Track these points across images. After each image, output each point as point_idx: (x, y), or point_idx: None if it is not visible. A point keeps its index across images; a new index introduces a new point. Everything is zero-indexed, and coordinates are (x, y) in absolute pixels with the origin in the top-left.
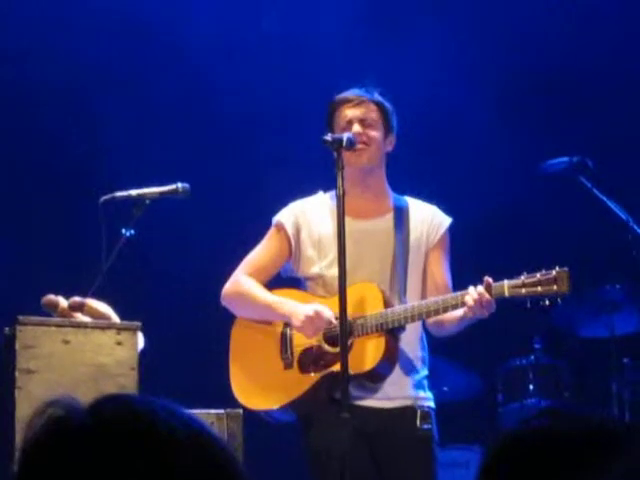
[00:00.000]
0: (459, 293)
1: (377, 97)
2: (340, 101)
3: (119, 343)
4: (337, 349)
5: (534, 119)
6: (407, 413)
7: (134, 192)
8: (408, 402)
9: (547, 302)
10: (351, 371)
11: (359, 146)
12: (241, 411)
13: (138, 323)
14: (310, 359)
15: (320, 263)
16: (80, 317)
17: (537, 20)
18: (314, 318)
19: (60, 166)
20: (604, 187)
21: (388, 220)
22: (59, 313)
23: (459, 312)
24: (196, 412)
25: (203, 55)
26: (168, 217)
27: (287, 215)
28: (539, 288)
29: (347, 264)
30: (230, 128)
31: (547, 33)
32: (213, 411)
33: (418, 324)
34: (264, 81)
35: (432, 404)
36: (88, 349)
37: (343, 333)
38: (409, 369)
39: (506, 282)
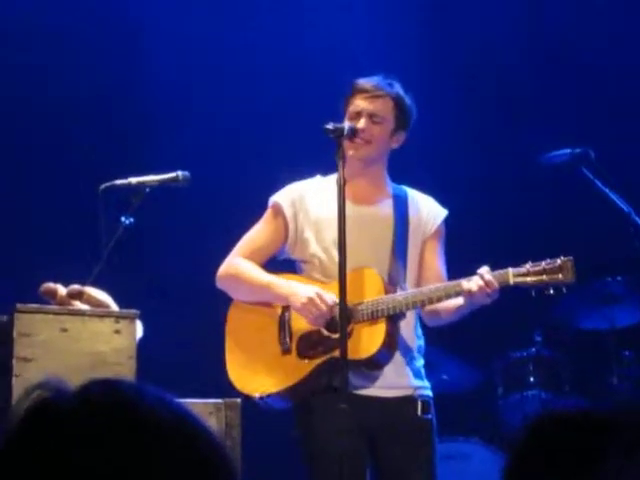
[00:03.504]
0: (462, 280)
1: (397, 91)
2: (357, 89)
3: (117, 331)
4: (337, 335)
5: (536, 110)
6: (408, 403)
7: (134, 180)
8: (408, 392)
9: (552, 291)
10: (351, 357)
11: (358, 141)
12: (239, 401)
13: (136, 311)
14: (309, 344)
15: (317, 245)
16: (78, 305)
17: (538, 7)
18: (315, 300)
19: (61, 153)
20: (606, 179)
21: (387, 206)
22: (57, 301)
23: (457, 301)
24: (194, 402)
25: (203, 43)
26: (168, 205)
27: (285, 196)
28: (544, 277)
29: (346, 248)
30: (232, 117)
31: (548, 20)
32: (211, 401)
33: (413, 313)
34: (264, 69)
35: (430, 393)
36: (86, 337)
37: (343, 321)
38: (408, 357)
39: (511, 270)
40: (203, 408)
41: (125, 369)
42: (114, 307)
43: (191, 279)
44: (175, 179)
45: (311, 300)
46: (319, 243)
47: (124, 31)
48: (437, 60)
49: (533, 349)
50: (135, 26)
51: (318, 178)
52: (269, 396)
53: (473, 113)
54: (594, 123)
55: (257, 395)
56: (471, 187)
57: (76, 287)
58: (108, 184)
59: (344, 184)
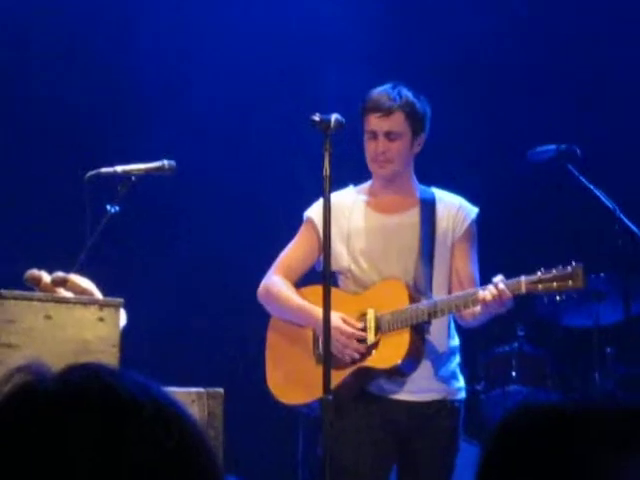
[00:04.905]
0: (479, 289)
1: (407, 102)
2: (369, 108)
3: (101, 319)
4: (366, 344)
5: (521, 106)
6: (436, 407)
7: (120, 168)
8: (439, 396)
9: (563, 297)
10: (377, 366)
11: (381, 164)
12: (222, 390)
13: (121, 300)
14: None
15: (349, 257)
16: (63, 292)
17: (523, 4)
18: (336, 337)
19: (45, 141)
20: (592, 175)
21: (414, 214)
22: (42, 288)
23: (477, 308)
24: (176, 390)
25: (192, 32)
26: (153, 194)
27: (317, 210)
28: (554, 284)
29: (373, 259)
30: (219, 107)
31: (533, 17)
32: (194, 390)
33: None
34: (259, 60)
35: (463, 394)
36: (70, 325)
37: (326, 345)
38: (439, 361)
39: (523, 278)
40: (185, 396)
41: (109, 357)
42: (98, 295)
43: (176, 268)
44: (161, 168)
45: (332, 337)
46: (350, 254)
47: (112, 19)
48: (421, 57)
49: (516, 344)
50: (123, 15)
51: (350, 188)
52: (306, 405)
53: (458, 110)
54: (580, 120)
55: (294, 404)
56: (455, 183)
57: (60, 274)
58: (94, 172)
59: (330, 178)
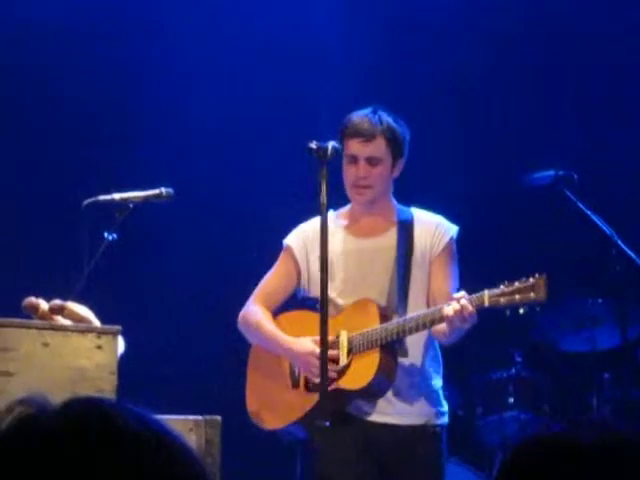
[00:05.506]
0: (443, 305)
1: (387, 126)
2: (350, 133)
3: (99, 347)
4: (339, 366)
5: (518, 130)
6: (418, 433)
7: (117, 196)
8: (420, 421)
9: (526, 309)
10: (348, 387)
11: (361, 190)
12: (219, 418)
13: (118, 327)
14: None
15: (329, 285)
16: (60, 320)
17: (520, 25)
18: (310, 362)
19: (43, 168)
20: (589, 201)
21: (391, 236)
22: (39, 316)
23: (444, 325)
24: (174, 418)
25: (191, 59)
26: (151, 221)
27: (295, 238)
28: (517, 296)
29: (351, 284)
30: (216, 132)
31: (530, 38)
32: (191, 417)
33: (424, 335)
34: (255, 86)
35: (445, 419)
36: (68, 352)
37: (323, 369)
38: (419, 383)
39: (486, 292)
40: (183, 425)
41: (106, 384)
42: (96, 322)
43: (174, 295)
44: (159, 195)
45: (307, 362)
46: (330, 282)
47: (109, 46)
48: (416, 77)
49: (513, 370)
50: (120, 41)
51: (330, 213)
52: (282, 429)
53: (455, 131)
54: (578, 145)
55: (270, 428)
56: (453, 206)
57: (58, 302)
58: (91, 200)
59: (327, 207)
